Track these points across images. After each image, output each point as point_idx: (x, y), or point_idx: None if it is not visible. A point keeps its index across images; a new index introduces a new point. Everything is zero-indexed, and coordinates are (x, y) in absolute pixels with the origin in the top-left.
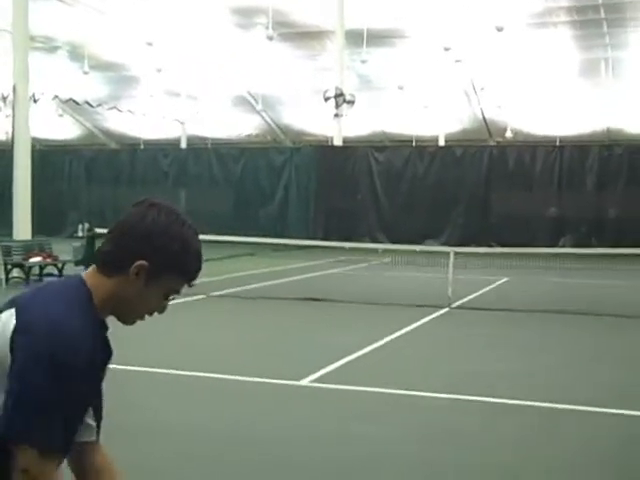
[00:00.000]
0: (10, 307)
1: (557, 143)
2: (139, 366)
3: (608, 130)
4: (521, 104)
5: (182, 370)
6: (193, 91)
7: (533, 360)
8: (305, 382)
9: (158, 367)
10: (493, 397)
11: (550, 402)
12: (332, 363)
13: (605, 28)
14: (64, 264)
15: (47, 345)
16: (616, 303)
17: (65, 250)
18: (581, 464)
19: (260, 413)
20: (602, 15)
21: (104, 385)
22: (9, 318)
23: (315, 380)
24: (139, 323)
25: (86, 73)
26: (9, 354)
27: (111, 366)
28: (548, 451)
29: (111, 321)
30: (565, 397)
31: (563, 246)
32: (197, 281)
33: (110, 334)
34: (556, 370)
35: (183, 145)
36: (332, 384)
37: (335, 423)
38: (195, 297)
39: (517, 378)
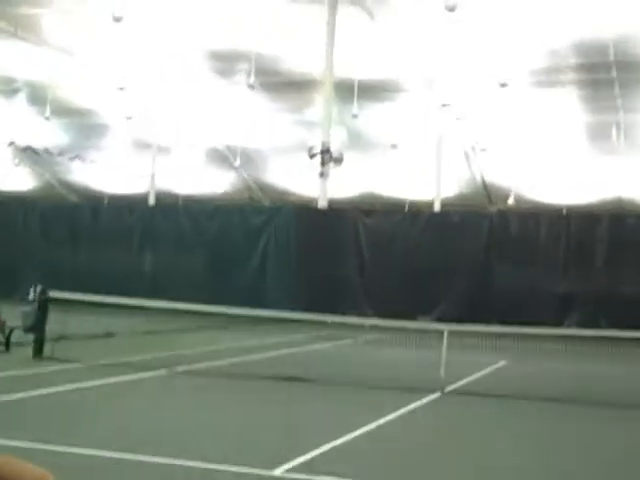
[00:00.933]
0: None
1: (564, 212)
2: (85, 447)
3: (619, 199)
4: (525, 168)
5: (135, 454)
6: (165, 142)
7: (530, 457)
8: (279, 472)
9: (106, 449)
10: None
11: None
12: (310, 450)
13: (617, 89)
14: (12, 331)
15: None
16: (624, 391)
17: (16, 315)
18: None
19: None
20: (614, 75)
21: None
22: None
23: (290, 470)
24: (84, 404)
25: (47, 119)
26: None
27: (54, 448)
28: None
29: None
30: None
31: (569, 326)
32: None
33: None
34: (551, 466)
35: (151, 201)
36: (310, 474)
37: None
38: (155, 372)
39: (508, 476)
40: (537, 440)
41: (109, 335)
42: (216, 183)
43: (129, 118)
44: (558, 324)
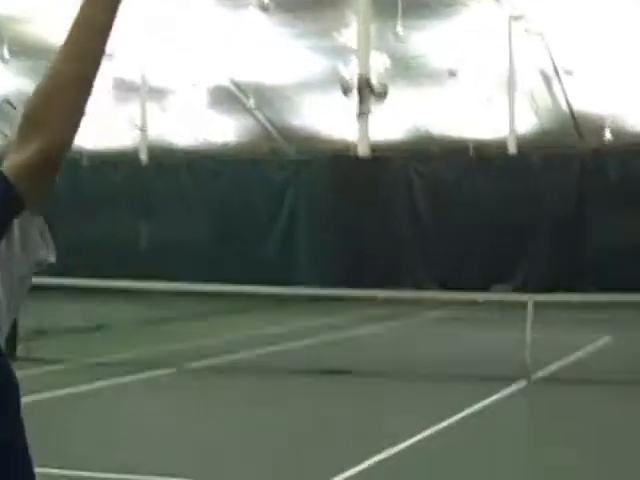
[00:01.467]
0: None
1: None
2: (77, 470)
3: None
4: (623, 92)
5: (144, 475)
6: (157, 82)
7: None
8: None
9: (109, 471)
10: None
11: None
12: (360, 462)
13: None
14: None
15: None
16: None
17: None
18: None
19: None
20: None
21: None
22: None
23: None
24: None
25: (6, 61)
26: None
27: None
28: None
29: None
30: None
31: None
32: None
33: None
34: None
35: (143, 158)
36: None
37: None
38: (162, 371)
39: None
40: None
41: (99, 327)
42: (225, 131)
43: (110, 55)
44: None
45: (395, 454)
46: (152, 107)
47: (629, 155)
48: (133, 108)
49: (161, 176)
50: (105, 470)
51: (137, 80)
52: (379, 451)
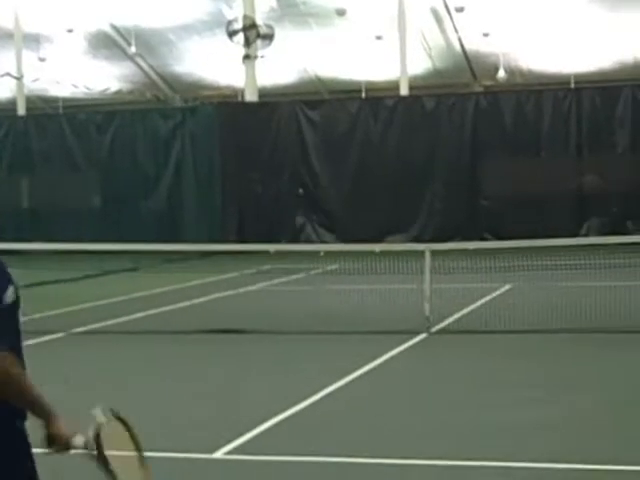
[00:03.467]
0: None
1: (572, 85)
2: None
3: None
4: (517, 29)
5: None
6: (31, 28)
7: (549, 404)
8: (219, 454)
9: None
10: (492, 460)
11: (583, 462)
12: (258, 425)
13: None
14: None
15: None
16: None
17: None
18: None
19: None
20: None
21: None
22: None
23: (233, 451)
24: None
25: None
26: None
27: None
28: None
29: None
30: (601, 454)
31: (587, 235)
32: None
33: None
34: (584, 419)
35: (21, 111)
36: (258, 455)
37: None
38: (50, 336)
39: (528, 431)
40: (543, 385)
41: None
42: (107, 80)
43: None
44: (573, 232)
45: (298, 412)
46: (29, 55)
47: (523, 94)
48: (8, 56)
49: (41, 130)
50: None
51: (9, 25)
52: (281, 411)
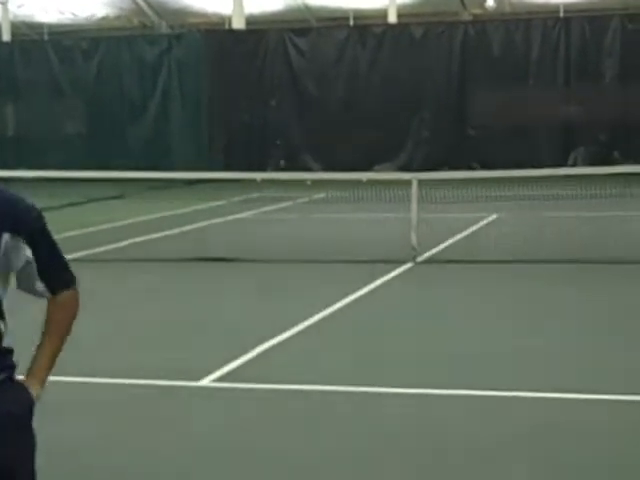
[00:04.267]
0: None
1: (561, 14)
2: None
3: None
4: None
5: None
6: None
7: (532, 334)
8: (206, 381)
9: None
10: (480, 389)
11: (560, 391)
12: (246, 352)
13: None
14: None
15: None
16: None
17: None
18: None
19: (136, 428)
20: None
21: None
22: None
23: (221, 378)
24: None
25: None
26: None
27: None
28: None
29: None
30: (579, 384)
31: (574, 165)
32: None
33: None
34: (566, 347)
35: (5, 37)
36: (246, 382)
37: (249, 439)
38: None
39: (511, 360)
40: (526, 314)
41: None
42: (93, 5)
43: None
44: (560, 162)
45: (284, 340)
46: None
47: (511, 23)
48: None
49: (26, 56)
50: None
51: None
52: (267, 339)
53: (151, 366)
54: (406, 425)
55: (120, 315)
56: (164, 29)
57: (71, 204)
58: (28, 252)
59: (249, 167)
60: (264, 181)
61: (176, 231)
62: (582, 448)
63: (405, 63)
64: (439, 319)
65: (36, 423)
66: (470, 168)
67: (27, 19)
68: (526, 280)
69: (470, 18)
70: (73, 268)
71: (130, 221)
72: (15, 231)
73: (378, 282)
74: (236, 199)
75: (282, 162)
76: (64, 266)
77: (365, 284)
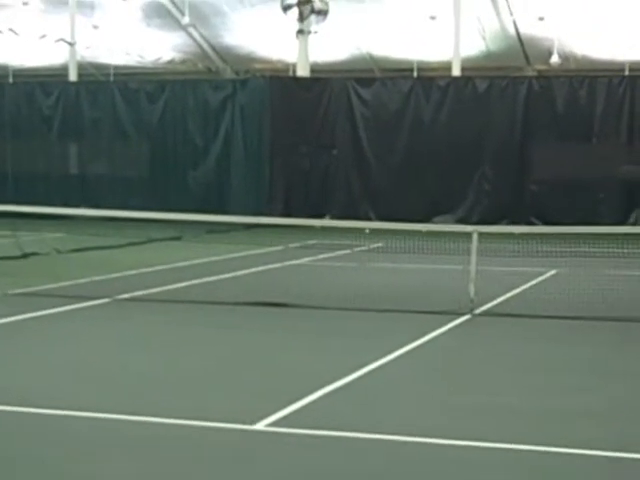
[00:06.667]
0: None
1: (626, 72)
2: (15, 406)
3: None
4: (572, 15)
5: (75, 410)
6: None
7: (593, 393)
8: (261, 426)
9: (40, 406)
10: (532, 444)
11: (623, 451)
12: (298, 399)
13: None
14: None
15: None
16: None
17: None
18: None
19: (191, 470)
20: None
21: None
22: None
23: (275, 423)
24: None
25: None
26: None
27: None
28: None
29: None
30: None
31: (635, 223)
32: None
33: None
34: (626, 407)
35: (72, 77)
36: (300, 428)
37: None
38: (95, 301)
39: (569, 417)
40: (590, 372)
41: (25, 256)
42: (159, 49)
43: None
44: (621, 221)
45: (339, 388)
46: (81, 22)
47: (576, 80)
48: (62, 22)
49: (92, 96)
50: (35, 406)
51: None
52: (322, 386)
53: (205, 407)
54: (466, 474)
55: (175, 355)
56: (229, 74)
57: (131, 244)
58: None
59: (308, 214)
60: (323, 228)
61: (233, 274)
62: None
63: (468, 116)
64: (495, 372)
65: (85, 459)
66: (529, 223)
67: (94, 60)
68: (584, 337)
69: (534, 74)
70: (132, 306)
71: (188, 263)
72: None
73: (435, 333)
74: (294, 245)
75: (327, 216)
76: None
77: (423, 334)
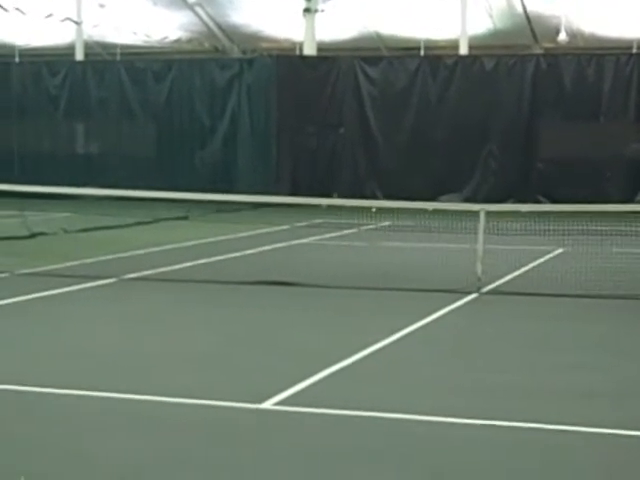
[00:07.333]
0: None
1: (634, 50)
2: (17, 384)
3: None
4: None
5: (83, 390)
6: None
7: (598, 371)
8: (268, 405)
9: (49, 386)
10: (538, 422)
11: (629, 429)
12: (305, 378)
13: None
14: None
15: None
16: None
17: None
18: None
19: (198, 449)
20: None
21: None
22: None
23: (282, 402)
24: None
25: None
26: None
27: None
28: None
29: None
30: None
31: None
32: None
33: None
34: (632, 386)
35: (79, 56)
36: (307, 407)
37: (310, 463)
38: (102, 281)
39: (574, 395)
40: (594, 349)
41: (33, 236)
42: (166, 28)
43: None
44: (629, 198)
45: (346, 366)
46: (89, 1)
47: (584, 58)
48: (68, 1)
49: (99, 76)
50: (42, 385)
51: None
52: (329, 364)
53: (213, 386)
54: (473, 453)
55: (182, 334)
56: (235, 53)
57: (138, 223)
58: None
59: (315, 192)
60: (329, 207)
61: (240, 254)
62: None
63: (475, 94)
64: (502, 350)
65: (101, 437)
66: (537, 201)
67: (100, 39)
68: (591, 315)
69: (541, 51)
70: (140, 286)
71: (196, 242)
72: None
73: (443, 311)
74: (301, 224)
75: (334, 195)
76: None
77: (430, 313)
